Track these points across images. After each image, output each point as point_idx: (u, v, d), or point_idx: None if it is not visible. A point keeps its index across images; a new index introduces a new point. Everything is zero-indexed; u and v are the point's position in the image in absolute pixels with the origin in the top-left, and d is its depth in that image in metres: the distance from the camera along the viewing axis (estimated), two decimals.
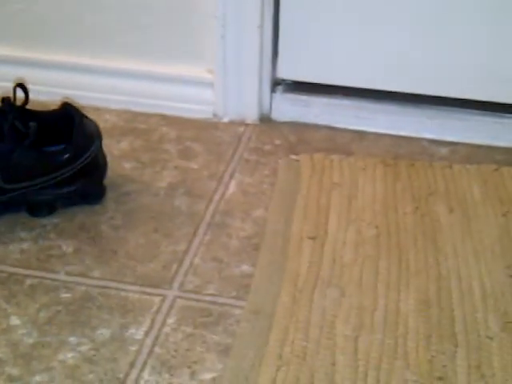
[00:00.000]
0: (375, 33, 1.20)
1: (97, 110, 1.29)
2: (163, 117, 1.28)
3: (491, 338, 0.84)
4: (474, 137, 1.22)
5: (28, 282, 0.91)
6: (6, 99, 0.99)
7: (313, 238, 0.99)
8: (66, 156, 0.99)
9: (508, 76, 1.20)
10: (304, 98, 1.27)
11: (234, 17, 1.20)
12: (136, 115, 1.28)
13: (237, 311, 0.88)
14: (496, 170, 1.14)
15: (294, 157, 1.17)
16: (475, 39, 1.18)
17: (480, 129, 1.22)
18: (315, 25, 1.21)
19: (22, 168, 0.98)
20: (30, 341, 0.83)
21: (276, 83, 1.28)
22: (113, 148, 1.17)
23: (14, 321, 0.85)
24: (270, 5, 1.20)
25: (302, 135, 1.24)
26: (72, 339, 0.83)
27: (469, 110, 1.23)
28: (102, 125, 1.23)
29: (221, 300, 0.90)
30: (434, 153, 1.20)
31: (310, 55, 1.24)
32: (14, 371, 0.79)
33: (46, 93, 1.30)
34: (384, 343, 0.83)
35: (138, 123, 1.26)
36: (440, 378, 0.79)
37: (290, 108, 1.27)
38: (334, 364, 0.80)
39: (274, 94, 1.27)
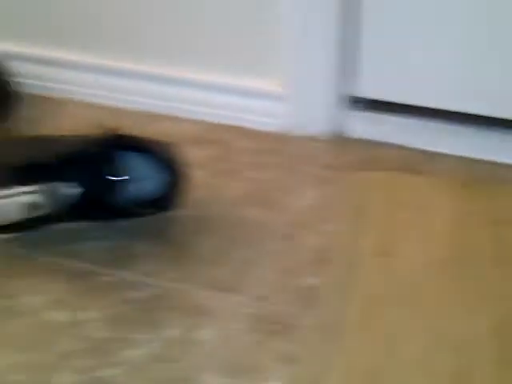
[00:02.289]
0: (454, 54, 1.20)
1: (175, 119, 1.32)
2: (238, 129, 1.29)
3: None
4: None
5: (103, 278, 0.93)
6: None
7: (384, 255, 0.98)
8: None
9: None
10: (378, 116, 1.27)
11: (312, 31, 1.21)
12: (211, 126, 1.30)
13: (304, 322, 0.88)
14: None
15: (366, 174, 1.17)
16: None
17: None
18: (394, 43, 1.21)
19: None
20: (101, 335, 0.84)
21: (350, 100, 1.28)
22: (189, 156, 1.19)
23: (87, 315, 0.87)
24: (351, 21, 1.21)
25: (374, 153, 1.24)
26: (142, 336, 0.84)
27: None
28: (179, 134, 1.27)
29: (288, 310, 0.90)
30: (506, 176, 1.19)
31: (387, 74, 1.24)
32: (85, 364, 0.80)
33: (125, 101, 1.34)
34: (455, 366, 0.82)
35: (213, 134, 1.28)
36: None
37: (363, 125, 1.27)
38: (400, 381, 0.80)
39: (347, 111, 1.28)
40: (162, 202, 1.02)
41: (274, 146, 1.25)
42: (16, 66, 1.33)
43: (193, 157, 1.20)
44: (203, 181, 1.14)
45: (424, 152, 1.25)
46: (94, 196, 0.95)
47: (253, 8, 1.25)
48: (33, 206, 0.92)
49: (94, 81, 1.36)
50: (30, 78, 1.36)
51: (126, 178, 0.98)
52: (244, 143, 1.26)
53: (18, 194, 0.91)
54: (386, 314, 0.88)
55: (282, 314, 0.89)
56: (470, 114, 1.23)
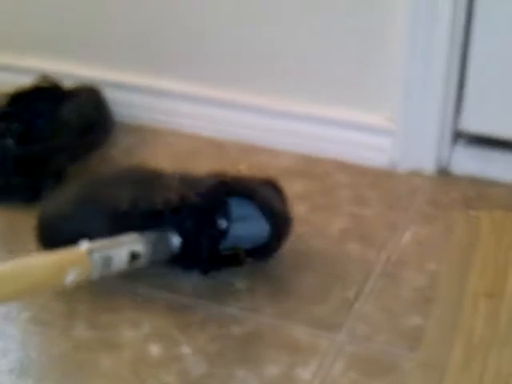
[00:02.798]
0: None
1: (273, 151, 1.31)
2: (338, 162, 1.28)
3: None
4: None
5: (200, 313, 0.93)
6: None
7: (490, 296, 0.94)
8: None
9: None
10: (485, 152, 1.23)
11: (419, 66, 1.19)
12: (312, 159, 1.29)
13: (406, 363, 0.85)
14: None
15: (472, 212, 1.13)
16: None
17: None
18: (503, 77, 1.18)
19: None
20: (200, 371, 0.84)
21: (457, 135, 1.25)
22: (288, 190, 1.18)
23: (185, 350, 0.87)
24: (457, 55, 1.18)
25: (480, 191, 1.20)
26: (240, 373, 0.83)
27: None
28: (277, 166, 1.27)
29: (390, 350, 0.87)
30: None
31: (495, 109, 1.20)
32: None
33: (224, 132, 1.35)
34: None
35: (313, 167, 1.27)
36: None
37: (469, 162, 1.24)
38: None
39: (454, 147, 1.24)
40: (266, 250, 1.00)
41: (376, 181, 1.23)
42: (112, 94, 1.35)
43: (293, 190, 1.19)
44: (303, 215, 1.13)
45: None
46: (196, 247, 0.94)
47: (367, 40, 1.24)
48: (134, 255, 0.89)
49: (191, 110, 1.37)
50: (126, 106, 1.37)
51: (232, 227, 0.96)
52: (346, 177, 1.24)
53: (120, 244, 0.89)
54: (490, 356, 0.85)
55: (384, 353, 0.87)
56: None
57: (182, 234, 0.92)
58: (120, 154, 1.29)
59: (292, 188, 1.19)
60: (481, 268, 1.00)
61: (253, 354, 0.86)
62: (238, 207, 0.97)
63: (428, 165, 1.24)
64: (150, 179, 1.00)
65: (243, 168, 1.26)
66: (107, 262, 0.86)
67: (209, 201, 0.93)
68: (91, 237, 0.88)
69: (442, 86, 1.19)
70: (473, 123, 1.23)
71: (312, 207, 1.16)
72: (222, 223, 0.95)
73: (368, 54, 1.24)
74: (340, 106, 1.29)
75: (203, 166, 1.24)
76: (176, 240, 0.89)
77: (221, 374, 0.83)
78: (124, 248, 0.88)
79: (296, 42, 1.29)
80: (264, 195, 0.98)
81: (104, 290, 0.95)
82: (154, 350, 0.87)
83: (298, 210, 1.13)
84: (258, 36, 1.31)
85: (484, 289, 0.96)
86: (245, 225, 0.98)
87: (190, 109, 1.38)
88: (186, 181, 0.98)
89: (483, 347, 0.86)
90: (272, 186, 1.03)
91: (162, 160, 1.27)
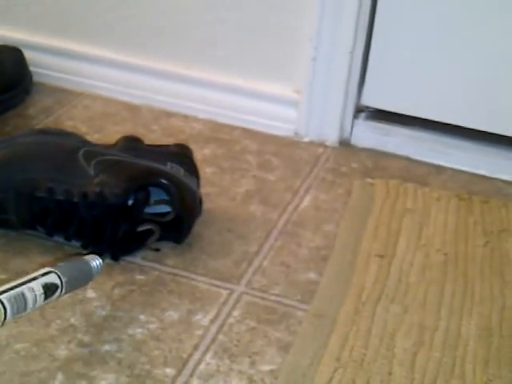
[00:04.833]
0: (464, 69, 1.23)
1: (185, 117, 1.35)
2: (246, 130, 1.33)
3: None
4: None
5: (106, 261, 0.95)
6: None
7: (381, 257, 1.01)
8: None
9: None
10: (385, 126, 1.30)
11: (327, 41, 1.24)
12: (221, 126, 1.34)
13: (300, 313, 0.90)
14: None
15: (369, 180, 1.20)
16: None
17: None
18: (404, 55, 1.24)
19: None
20: (103, 313, 0.87)
21: (359, 109, 1.31)
22: (197, 153, 1.21)
23: (91, 294, 0.90)
24: (363, 31, 1.24)
25: (379, 162, 1.27)
26: (142, 317, 0.87)
27: None
28: (189, 132, 1.31)
29: (285, 301, 0.92)
30: (509, 194, 1.21)
31: (396, 85, 1.27)
32: (86, 338, 0.83)
33: (140, 97, 1.37)
34: (442, 362, 0.84)
35: (222, 133, 1.31)
36: None
37: (370, 135, 1.30)
38: (390, 373, 0.82)
39: (355, 120, 1.31)
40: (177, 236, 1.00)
41: (281, 149, 1.28)
42: (32, 55, 1.37)
43: (202, 154, 1.23)
44: (210, 177, 1.17)
45: (428, 164, 1.28)
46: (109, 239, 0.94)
47: (275, 15, 1.28)
48: (49, 289, 0.78)
49: (108, 75, 1.39)
50: (45, 68, 1.40)
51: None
52: (253, 144, 1.29)
53: (32, 281, 0.77)
54: (379, 310, 0.91)
55: (279, 304, 0.92)
56: (475, 130, 1.26)
57: (95, 225, 0.94)
58: (37, 114, 1.32)
59: (201, 152, 1.24)
60: (374, 231, 1.06)
61: (155, 301, 0.90)
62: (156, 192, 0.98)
63: (331, 136, 1.30)
64: (67, 159, 0.98)
65: (155, 130, 1.29)
66: (20, 303, 0.75)
67: (124, 201, 0.93)
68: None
69: (347, 61, 1.25)
70: (373, 98, 1.30)
71: (219, 170, 1.20)
72: (138, 214, 0.95)
73: (277, 27, 1.29)
74: (250, 77, 1.34)
75: (118, 129, 1.28)
76: (96, 263, 0.84)
77: (123, 317, 0.86)
78: (36, 284, 0.78)
79: (207, 13, 1.32)
80: (175, 183, 0.97)
81: (15, 235, 0.98)
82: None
83: (205, 172, 1.18)
84: (170, 4, 1.34)
85: (376, 250, 1.02)
86: (161, 207, 1.00)
87: (106, 73, 1.40)
88: (102, 164, 0.97)
89: (372, 303, 0.92)
90: (183, 151, 1.06)
91: (78, 121, 1.30)
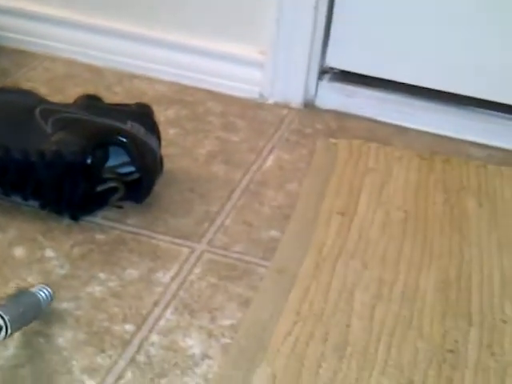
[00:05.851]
0: (428, 30, 1.23)
1: (149, 79, 1.34)
2: (211, 92, 1.32)
3: (505, 322, 0.86)
4: None
5: (65, 221, 0.95)
6: None
7: (342, 214, 1.02)
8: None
9: None
10: (349, 87, 1.30)
11: (290, 2, 1.23)
12: (185, 88, 1.33)
13: (261, 270, 0.91)
14: None
15: (332, 140, 1.20)
16: None
17: None
18: (369, 15, 1.24)
19: None
20: (62, 272, 0.87)
21: (323, 71, 1.31)
22: (160, 115, 1.21)
23: (49, 253, 0.89)
24: None
25: (343, 123, 1.27)
26: (101, 275, 0.87)
27: (509, 116, 1.25)
28: (152, 93, 1.30)
29: (247, 258, 0.93)
30: (470, 154, 1.22)
31: (360, 46, 1.27)
32: None
33: (102, 59, 1.36)
34: (400, 314, 0.85)
35: (186, 95, 1.31)
36: (451, 351, 0.81)
37: (334, 96, 1.30)
38: (349, 326, 0.83)
39: (320, 82, 1.31)
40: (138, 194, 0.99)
41: (245, 111, 1.28)
42: None
43: (165, 115, 1.23)
44: (173, 138, 1.16)
45: (392, 125, 1.28)
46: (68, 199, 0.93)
47: None
48: None
49: (69, 36, 1.37)
50: (4, 29, 1.38)
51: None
52: (218, 106, 1.28)
53: None
54: (339, 266, 0.92)
55: (241, 261, 0.92)
56: (439, 91, 1.27)
57: (53, 185, 0.92)
58: None
59: (164, 113, 1.24)
60: (336, 189, 1.07)
61: (114, 259, 0.90)
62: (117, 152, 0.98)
63: (295, 98, 1.30)
64: (23, 117, 0.97)
65: (118, 92, 1.28)
66: None
67: (82, 159, 0.92)
68: None
69: (311, 21, 1.24)
70: (337, 59, 1.29)
71: (182, 131, 1.19)
72: (97, 173, 0.94)
73: None
74: (215, 38, 1.33)
75: (79, 90, 1.26)
76: (44, 293, 0.79)
77: (82, 276, 0.86)
78: None
79: None
80: (135, 141, 0.96)
81: None
82: (19, 252, 0.89)
83: (168, 133, 1.17)
84: None
85: (338, 208, 1.03)
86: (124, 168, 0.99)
87: (68, 35, 1.38)
88: (60, 122, 0.96)
89: (332, 259, 0.93)
90: (143, 110, 1.05)
91: (38, 83, 1.29)
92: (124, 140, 0.94)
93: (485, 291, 0.90)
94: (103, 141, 0.94)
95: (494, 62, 1.22)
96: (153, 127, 1.02)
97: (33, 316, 0.78)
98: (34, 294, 0.79)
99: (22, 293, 0.79)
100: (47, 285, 0.81)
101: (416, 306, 0.87)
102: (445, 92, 1.26)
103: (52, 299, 0.80)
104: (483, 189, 1.11)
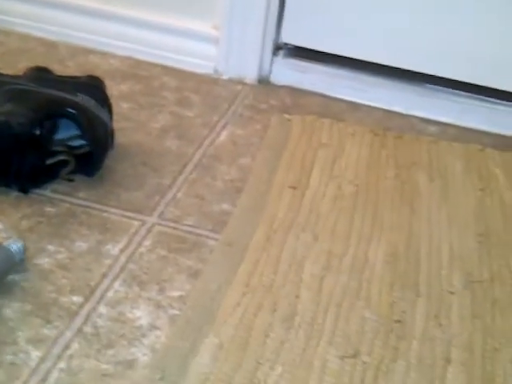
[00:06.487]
0: (379, 7, 1.24)
1: (103, 54, 1.33)
2: (165, 67, 1.31)
3: (453, 293, 0.87)
4: (464, 119, 1.25)
5: (14, 194, 0.94)
6: None
7: (294, 188, 1.02)
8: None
9: (504, 63, 1.22)
10: (303, 64, 1.30)
11: None
12: (139, 63, 1.32)
13: (211, 242, 0.91)
14: (481, 150, 1.17)
15: (286, 116, 1.20)
16: (476, 24, 1.21)
17: (471, 112, 1.25)
18: None
19: None
20: None
21: (278, 47, 1.31)
22: (113, 89, 1.20)
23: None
24: None
25: (297, 99, 1.27)
26: (50, 247, 0.86)
27: (462, 93, 1.26)
28: (106, 68, 1.29)
29: (197, 231, 0.93)
30: (422, 130, 1.23)
31: (314, 22, 1.27)
32: None
33: (57, 33, 1.34)
34: (348, 285, 0.86)
35: (140, 70, 1.30)
36: (398, 321, 0.82)
37: (288, 72, 1.30)
38: (297, 297, 0.83)
39: (274, 57, 1.30)
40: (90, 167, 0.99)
41: (200, 86, 1.27)
42: None
43: (118, 89, 1.22)
44: (126, 113, 1.16)
45: (345, 101, 1.29)
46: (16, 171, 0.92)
47: None
48: None
49: (23, 10, 1.35)
50: None
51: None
52: (172, 81, 1.28)
53: None
54: (289, 238, 0.92)
55: (191, 233, 0.92)
56: (391, 67, 1.27)
57: (0, 157, 0.91)
58: None
59: (118, 88, 1.23)
60: (289, 164, 1.07)
61: (64, 232, 0.89)
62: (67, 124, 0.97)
63: (250, 73, 1.30)
64: None
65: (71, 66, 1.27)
66: None
67: (30, 130, 0.91)
68: None
69: None
70: (292, 35, 1.29)
71: (136, 106, 1.19)
72: (46, 145, 0.93)
73: None
74: (170, 13, 1.32)
75: (33, 65, 1.24)
76: (17, 246, 0.82)
77: (31, 248, 0.85)
78: None
79: None
80: (84, 113, 0.95)
81: None
82: None
83: (122, 107, 1.17)
84: None
85: (290, 182, 1.03)
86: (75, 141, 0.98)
87: (22, 8, 1.36)
88: (8, 93, 0.95)
89: (283, 232, 0.93)
90: (94, 83, 1.04)
91: None
92: (74, 112, 0.93)
93: (433, 263, 0.91)
94: (52, 112, 0.93)
95: (443, 38, 1.23)
96: (104, 100, 1.01)
97: (6, 268, 0.80)
98: (5, 247, 0.80)
99: None
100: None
101: (364, 277, 0.87)
102: (397, 68, 1.27)
103: (24, 252, 0.82)
104: (434, 164, 1.12)
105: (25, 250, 0.83)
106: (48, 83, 0.97)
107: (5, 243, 0.82)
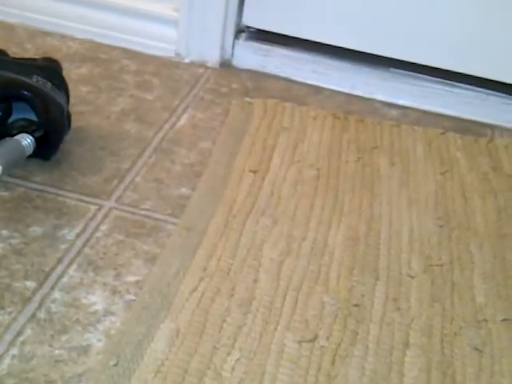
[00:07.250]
0: None
1: (62, 37, 1.30)
2: (126, 50, 1.29)
3: (412, 277, 0.87)
4: (425, 103, 1.25)
5: None
6: None
7: (254, 172, 1.01)
8: None
9: (466, 46, 1.22)
10: (265, 47, 1.29)
11: None
12: (99, 46, 1.30)
13: (169, 227, 0.90)
14: (442, 133, 1.17)
15: (247, 99, 1.19)
16: (439, 8, 1.21)
17: (432, 96, 1.25)
18: None
19: None
20: None
21: (240, 30, 1.30)
22: (72, 72, 1.19)
23: None
24: None
25: (259, 83, 1.26)
26: (4, 232, 0.84)
27: (423, 76, 1.26)
28: (64, 51, 1.26)
29: (155, 215, 0.91)
30: (384, 114, 1.23)
31: (277, 4, 1.26)
32: None
33: (14, 15, 1.32)
34: (307, 269, 0.85)
35: (100, 53, 1.28)
36: (356, 305, 0.81)
37: (250, 56, 1.29)
38: (256, 281, 0.82)
39: (236, 41, 1.29)
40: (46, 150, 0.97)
41: (160, 70, 1.26)
42: None
43: (77, 73, 1.20)
44: (85, 96, 1.14)
45: (307, 85, 1.28)
46: None
47: None
48: None
49: None
50: None
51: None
52: (132, 64, 1.26)
53: None
54: (249, 223, 0.91)
55: (149, 218, 0.91)
56: (352, 51, 1.27)
57: None
58: None
59: (77, 71, 1.20)
60: (249, 148, 1.06)
61: (19, 216, 0.87)
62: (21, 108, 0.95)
63: (212, 57, 1.29)
64: None
65: (29, 49, 1.25)
66: None
67: None
68: None
69: None
70: (253, 18, 1.28)
71: (95, 89, 1.16)
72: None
73: None
74: None
75: None
76: (27, 141, 0.90)
77: None
78: None
79: None
80: (40, 96, 0.93)
81: None
82: None
83: (81, 91, 1.15)
84: None
85: (250, 165, 1.02)
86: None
87: None
88: None
89: (242, 216, 0.92)
90: (51, 65, 1.02)
91: None
92: (28, 94, 0.91)
93: (393, 247, 0.91)
94: (6, 94, 0.90)
95: (405, 21, 1.23)
96: (61, 82, 0.99)
97: (16, 158, 0.89)
98: (19, 142, 0.90)
99: (9, 141, 0.90)
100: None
101: (324, 261, 0.87)
102: (359, 52, 1.26)
103: (32, 148, 0.92)
104: (396, 148, 1.12)
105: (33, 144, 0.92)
106: (3, 65, 0.94)
107: (16, 137, 0.90)
